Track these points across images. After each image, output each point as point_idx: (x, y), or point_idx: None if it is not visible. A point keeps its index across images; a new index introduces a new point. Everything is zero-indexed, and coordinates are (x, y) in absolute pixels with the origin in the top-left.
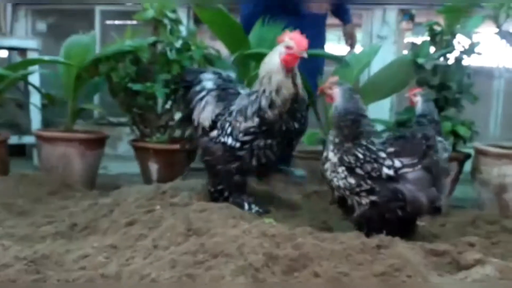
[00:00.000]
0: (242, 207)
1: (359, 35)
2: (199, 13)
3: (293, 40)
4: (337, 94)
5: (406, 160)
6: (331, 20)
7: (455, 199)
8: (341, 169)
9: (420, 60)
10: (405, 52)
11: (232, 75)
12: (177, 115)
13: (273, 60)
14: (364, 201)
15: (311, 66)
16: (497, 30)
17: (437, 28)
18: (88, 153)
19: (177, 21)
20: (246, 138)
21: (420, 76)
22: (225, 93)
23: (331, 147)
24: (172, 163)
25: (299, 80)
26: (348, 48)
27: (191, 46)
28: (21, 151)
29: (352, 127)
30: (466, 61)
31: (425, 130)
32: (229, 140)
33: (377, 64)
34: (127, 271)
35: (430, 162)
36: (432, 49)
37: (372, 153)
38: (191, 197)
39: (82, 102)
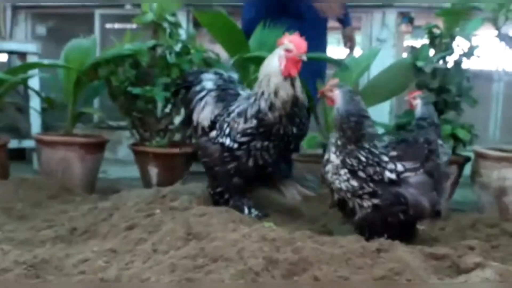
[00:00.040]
0: (242, 211)
1: (358, 38)
2: (199, 16)
3: (292, 43)
4: (338, 96)
5: (408, 164)
6: (330, 23)
7: (455, 202)
8: (343, 171)
9: (420, 63)
10: (405, 55)
11: (234, 75)
12: (177, 119)
13: (272, 63)
14: (366, 204)
15: (313, 70)
16: (496, 32)
17: (436, 31)
18: (88, 157)
19: (176, 25)
20: (244, 139)
21: (420, 79)
22: (225, 94)
23: (333, 149)
24: (171, 167)
25: (298, 83)
26: (347, 51)
27: (190, 49)
28: (21, 155)
29: (355, 129)
30: (466, 64)
31: (427, 135)
32: (227, 141)
33: (377, 67)
34: (126, 275)
35: (432, 166)
36: (431, 52)
37: (374, 156)
38: (190, 201)
39: (81, 106)
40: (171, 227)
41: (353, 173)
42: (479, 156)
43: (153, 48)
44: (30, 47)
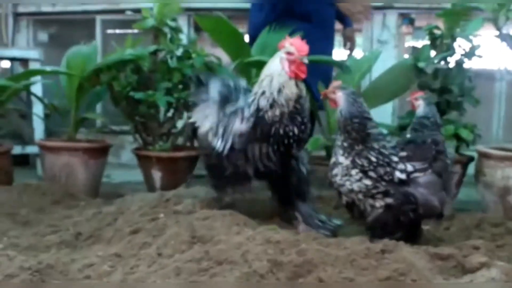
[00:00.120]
0: None
1: (359, 39)
2: (200, 21)
3: (293, 46)
4: (341, 98)
5: (417, 165)
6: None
7: (459, 202)
8: (354, 171)
9: (421, 64)
10: (406, 56)
11: (242, 83)
12: (180, 123)
13: (274, 65)
14: (379, 203)
15: (322, 72)
16: (497, 32)
17: (437, 32)
18: (92, 162)
19: (177, 29)
20: (240, 141)
21: (421, 80)
22: (228, 102)
23: (340, 151)
24: (175, 170)
25: (302, 85)
26: (347, 52)
27: (192, 54)
28: (24, 161)
29: (359, 129)
30: (467, 64)
31: (434, 135)
32: (222, 145)
33: (378, 69)
34: (131, 279)
35: (441, 166)
36: (432, 53)
37: (385, 157)
38: (194, 205)
39: (84, 111)
40: (175, 231)
41: (364, 173)
42: (483, 155)
43: (154, 53)
44: (32, 53)
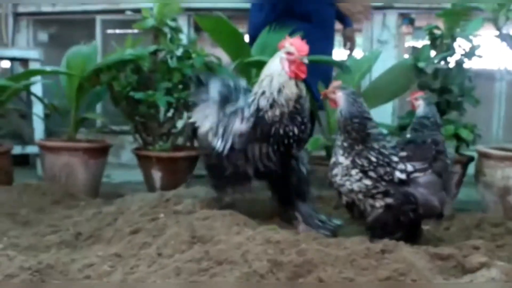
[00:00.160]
0: None
1: (359, 40)
2: (200, 21)
3: (293, 46)
4: (341, 98)
5: (417, 165)
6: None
7: (459, 202)
8: (354, 171)
9: (421, 64)
10: (406, 56)
11: (242, 83)
12: (179, 123)
13: (274, 65)
14: (379, 203)
15: (322, 72)
16: (497, 32)
17: (437, 32)
18: (92, 162)
19: (177, 29)
20: (240, 141)
21: (421, 80)
22: (228, 102)
23: (340, 151)
24: (175, 170)
25: (302, 85)
26: (347, 52)
27: (191, 54)
28: (24, 161)
29: (359, 129)
30: (467, 64)
31: (434, 135)
32: (222, 145)
33: (378, 69)
34: (131, 279)
35: (440, 166)
36: (432, 53)
37: (385, 157)
38: (194, 205)
39: (84, 111)
40: (175, 231)
41: (364, 173)
42: (483, 155)
43: (154, 53)
44: (32, 53)
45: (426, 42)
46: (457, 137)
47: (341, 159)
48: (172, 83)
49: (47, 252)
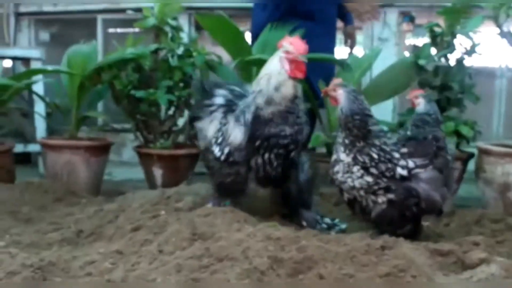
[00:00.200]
0: None
1: (360, 37)
2: (200, 19)
3: (292, 45)
4: (342, 96)
5: (418, 161)
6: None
7: (459, 198)
8: (356, 168)
9: (421, 62)
10: (407, 54)
11: (248, 90)
12: (180, 121)
13: (273, 64)
14: (381, 199)
15: (323, 71)
16: (497, 30)
17: (438, 30)
18: (93, 160)
19: (178, 28)
20: (239, 147)
21: (422, 78)
22: (232, 110)
23: (341, 148)
24: (176, 168)
25: (299, 86)
26: (348, 49)
27: (192, 52)
28: (26, 159)
29: (360, 126)
30: (467, 61)
31: (435, 132)
32: (221, 150)
33: (379, 67)
34: (133, 276)
35: (441, 162)
36: (433, 51)
37: (386, 153)
38: (195, 202)
39: (86, 109)
40: (176, 228)
41: (366, 169)
42: (483, 152)
43: (155, 51)
44: (34, 53)
45: (427, 39)
46: (457, 133)
47: (343, 156)
48: (173, 82)
49: (49, 250)
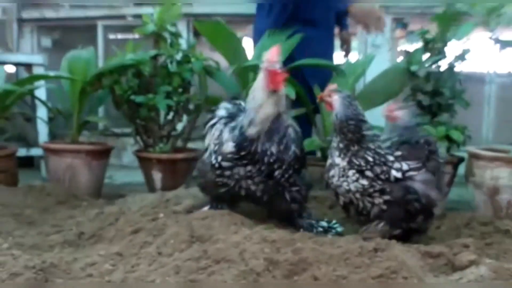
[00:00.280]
0: None
1: (354, 43)
2: (198, 26)
3: (267, 55)
4: (337, 101)
5: (412, 164)
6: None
7: (450, 201)
8: (351, 172)
9: (413, 68)
10: (400, 59)
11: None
12: (179, 125)
13: (259, 78)
14: (377, 200)
15: (322, 76)
16: (487, 36)
17: (429, 36)
18: (94, 164)
19: (177, 34)
20: (228, 158)
21: (414, 83)
22: (233, 121)
23: (336, 153)
24: (175, 172)
25: (283, 100)
26: (343, 54)
27: (191, 58)
28: (29, 163)
29: (355, 131)
30: (458, 67)
31: (427, 136)
32: (217, 160)
33: (373, 72)
34: (132, 277)
35: (434, 166)
36: (425, 57)
37: (381, 156)
38: (193, 205)
39: (87, 114)
40: (175, 231)
41: (361, 172)
42: (473, 156)
43: (155, 57)
44: (36, 58)
45: (419, 45)
46: (448, 138)
47: (338, 160)
48: (172, 87)
49: (50, 251)
